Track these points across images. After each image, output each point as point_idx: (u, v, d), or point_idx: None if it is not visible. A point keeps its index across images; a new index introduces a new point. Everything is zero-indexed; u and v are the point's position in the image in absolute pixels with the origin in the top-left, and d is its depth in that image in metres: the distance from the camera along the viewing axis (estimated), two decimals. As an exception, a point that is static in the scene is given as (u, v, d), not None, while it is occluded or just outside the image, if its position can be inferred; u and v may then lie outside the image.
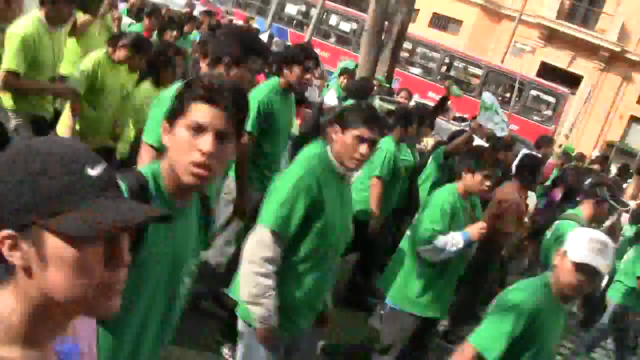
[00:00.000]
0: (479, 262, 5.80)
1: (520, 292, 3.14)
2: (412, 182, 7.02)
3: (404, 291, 4.65)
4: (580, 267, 2.97)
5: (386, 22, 12.88)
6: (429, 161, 7.29)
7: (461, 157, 5.00)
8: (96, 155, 1.20)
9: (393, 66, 13.18)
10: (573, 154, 14.85)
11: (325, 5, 23.84)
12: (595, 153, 22.29)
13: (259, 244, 3.08)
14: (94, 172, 1.15)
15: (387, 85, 12.31)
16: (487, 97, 8.10)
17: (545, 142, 11.51)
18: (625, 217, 9.53)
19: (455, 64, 24.93)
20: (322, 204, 3.14)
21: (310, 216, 3.12)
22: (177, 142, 1.98)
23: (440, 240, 4.49)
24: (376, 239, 6.50)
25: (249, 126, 4.86)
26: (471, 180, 4.67)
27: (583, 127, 32.39)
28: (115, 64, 5.74)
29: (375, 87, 10.77)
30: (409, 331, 4.69)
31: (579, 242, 3.02)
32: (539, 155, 7.97)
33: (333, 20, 24.73)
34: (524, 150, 8.48)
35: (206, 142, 1.93)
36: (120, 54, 5.73)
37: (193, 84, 2.00)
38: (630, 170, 15.14)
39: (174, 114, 2.01)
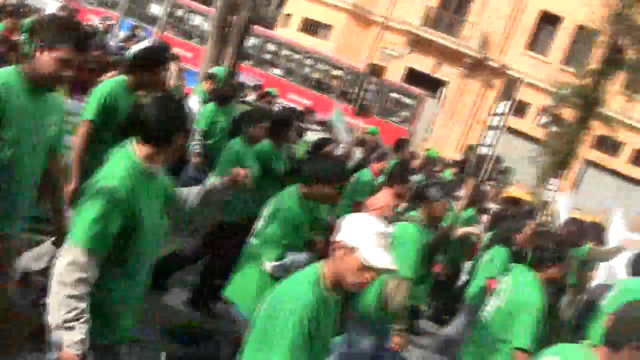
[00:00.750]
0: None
1: (291, 296, 2.86)
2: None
3: (255, 301, 4.39)
4: (372, 268, 2.83)
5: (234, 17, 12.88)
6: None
7: (314, 163, 4.91)
8: None
9: (237, 61, 13.03)
10: (435, 158, 15.16)
11: (181, 1, 23.74)
12: (457, 156, 22.98)
13: (72, 265, 2.89)
14: None
15: (273, 94, 12.41)
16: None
17: (402, 144, 11.61)
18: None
19: (318, 66, 25.14)
20: (137, 212, 3.07)
21: (126, 227, 3.03)
22: None
23: (288, 259, 4.44)
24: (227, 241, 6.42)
25: (90, 114, 5.05)
26: (320, 189, 4.59)
27: (446, 132, 33.40)
28: None
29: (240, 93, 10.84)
30: None
31: (367, 240, 2.83)
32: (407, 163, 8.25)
33: (197, 20, 24.28)
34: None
35: None
36: None
37: None
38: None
39: None
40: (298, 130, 8.27)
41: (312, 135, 10.55)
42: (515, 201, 11.91)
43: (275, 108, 12.74)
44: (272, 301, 2.91)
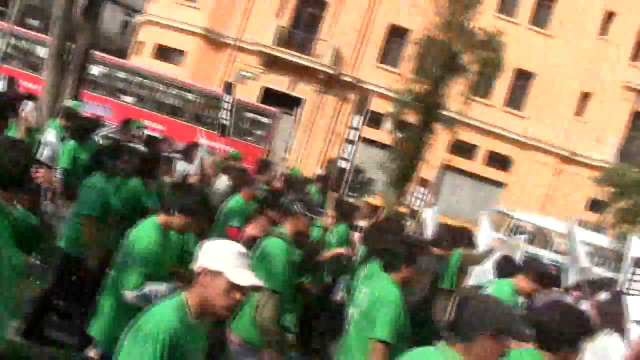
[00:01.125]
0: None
1: (153, 320, 2.89)
2: None
3: (111, 332, 4.43)
4: (240, 287, 2.92)
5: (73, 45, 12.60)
6: None
7: (174, 193, 4.94)
8: None
9: (79, 89, 12.75)
10: (299, 176, 15.25)
11: (21, 32, 22.98)
12: (319, 171, 23.30)
13: None
14: None
15: (137, 126, 12.06)
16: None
17: (266, 165, 11.70)
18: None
19: (170, 91, 24.94)
20: None
21: None
22: None
23: (147, 288, 4.41)
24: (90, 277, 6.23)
25: None
26: (178, 219, 4.67)
27: (306, 148, 33.89)
28: None
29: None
30: None
31: (229, 261, 2.93)
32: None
33: (43, 51, 23.36)
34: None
35: None
36: None
37: None
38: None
39: None
40: (167, 160, 8.07)
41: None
42: (374, 208, 12.23)
43: (136, 139, 12.43)
44: (135, 327, 2.91)
